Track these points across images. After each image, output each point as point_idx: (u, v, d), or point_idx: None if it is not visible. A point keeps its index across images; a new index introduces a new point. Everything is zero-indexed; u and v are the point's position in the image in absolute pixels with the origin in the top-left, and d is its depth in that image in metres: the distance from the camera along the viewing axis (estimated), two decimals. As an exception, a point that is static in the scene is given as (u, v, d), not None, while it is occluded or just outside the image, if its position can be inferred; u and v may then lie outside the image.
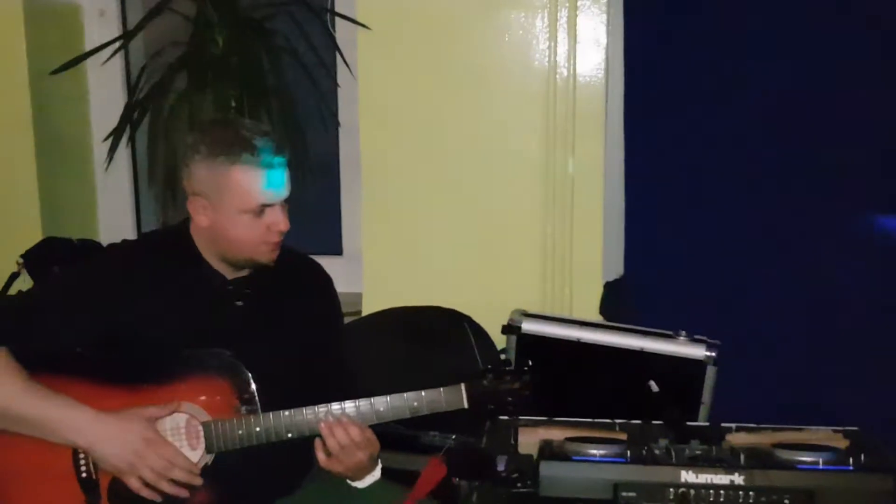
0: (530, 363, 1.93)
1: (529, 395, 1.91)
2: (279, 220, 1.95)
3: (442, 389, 1.88)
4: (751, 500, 1.87)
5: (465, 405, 1.89)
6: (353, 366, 2.13)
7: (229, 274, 2.03)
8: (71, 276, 2.16)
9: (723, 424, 2.24)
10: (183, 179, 1.97)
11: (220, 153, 1.89)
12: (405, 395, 1.87)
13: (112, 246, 2.34)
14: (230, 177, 1.89)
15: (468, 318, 2.93)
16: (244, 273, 2.04)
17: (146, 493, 1.88)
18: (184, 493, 1.90)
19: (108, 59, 3.07)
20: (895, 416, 2.64)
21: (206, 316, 1.99)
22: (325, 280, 2.20)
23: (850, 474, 1.91)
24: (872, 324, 2.76)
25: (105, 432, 1.86)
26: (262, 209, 1.93)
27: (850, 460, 1.94)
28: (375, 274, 3.12)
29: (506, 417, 2.21)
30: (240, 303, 2.03)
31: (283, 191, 1.96)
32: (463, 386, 1.88)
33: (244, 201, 1.91)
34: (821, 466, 1.93)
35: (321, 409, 1.90)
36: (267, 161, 1.90)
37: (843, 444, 2.09)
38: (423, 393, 1.87)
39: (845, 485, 1.89)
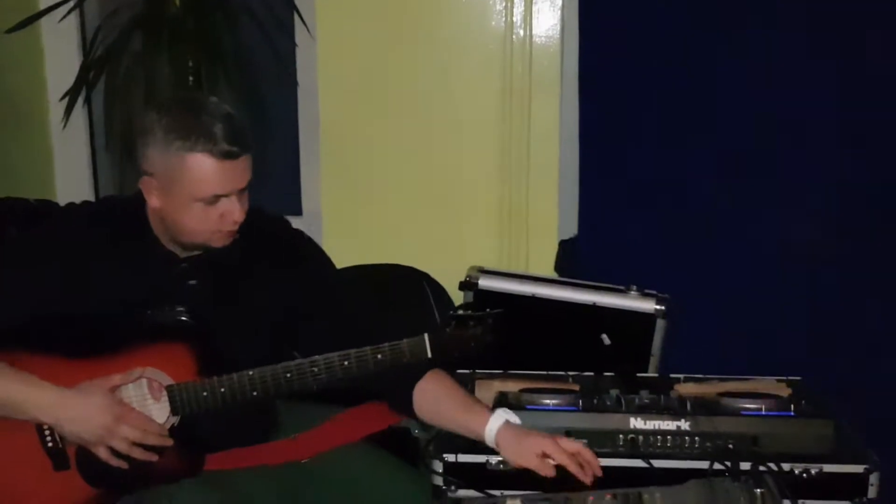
0: (488, 310, 1.94)
1: (492, 339, 1.92)
2: (234, 210, 1.86)
3: (406, 341, 1.89)
4: (696, 445, 1.96)
5: (430, 355, 1.91)
6: (355, 317, 2.05)
7: (181, 253, 1.96)
8: (19, 245, 2.06)
9: (671, 375, 2.32)
10: (138, 155, 1.87)
11: (175, 138, 1.79)
12: (368, 348, 1.89)
13: (64, 212, 2.24)
14: (184, 164, 1.80)
15: (427, 276, 2.98)
16: (197, 252, 1.96)
17: (115, 462, 1.88)
18: (154, 458, 1.90)
19: (64, 17, 3.03)
20: (838, 365, 2.75)
21: (157, 295, 1.93)
22: (293, 244, 2.08)
23: (792, 420, 1.99)
24: (815, 278, 2.84)
25: (70, 410, 1.83)
26: (215, 198, 1.84)
27: (792, 407, 2.03)
28: (335, 233, 3.15)
29: (466, 370, 2.28)
30: (193, 282, 1.96)
31: (241, 181, 1.86)
32: (426, 336, 1.90)
33: (197, 190, 1.82)
34: (763, 412, 2.01)
35: (288, 365, 1.90)
36: (225, 151, 1.80)
37: (786, 392, 2.17)
38: (386, 345, 1.89)
39: (787, 429, 1.97)
